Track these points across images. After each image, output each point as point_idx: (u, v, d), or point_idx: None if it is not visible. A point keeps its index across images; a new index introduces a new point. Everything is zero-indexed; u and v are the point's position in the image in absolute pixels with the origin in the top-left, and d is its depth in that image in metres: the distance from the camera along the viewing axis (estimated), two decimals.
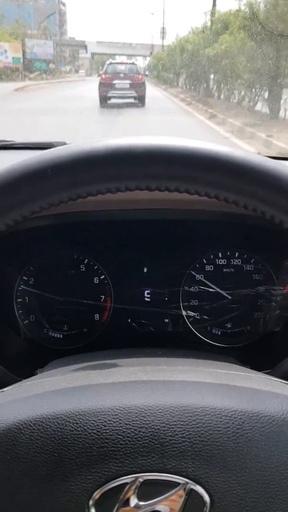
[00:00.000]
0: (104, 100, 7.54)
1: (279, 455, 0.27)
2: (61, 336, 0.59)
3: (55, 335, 0.59)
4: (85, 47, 33.62)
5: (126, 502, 0.26)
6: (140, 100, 7.62)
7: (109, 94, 7.66)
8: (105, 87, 7.57)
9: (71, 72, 31.40)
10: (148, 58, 29.17)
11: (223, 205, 0.32)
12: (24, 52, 17.25)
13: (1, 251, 0.53)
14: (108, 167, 0.29)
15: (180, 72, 11.83)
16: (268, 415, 0.28)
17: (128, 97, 7.71)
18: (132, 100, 7.66)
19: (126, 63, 8.52)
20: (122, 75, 7.96)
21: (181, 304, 0.59)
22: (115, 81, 7.76)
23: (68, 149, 0.30)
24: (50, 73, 19.47)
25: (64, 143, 0.78)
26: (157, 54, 17.28)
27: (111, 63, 8.41)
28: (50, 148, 0.40)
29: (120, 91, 7.66)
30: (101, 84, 7.68)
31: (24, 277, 0.58)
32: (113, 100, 7.74)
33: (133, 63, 8.53)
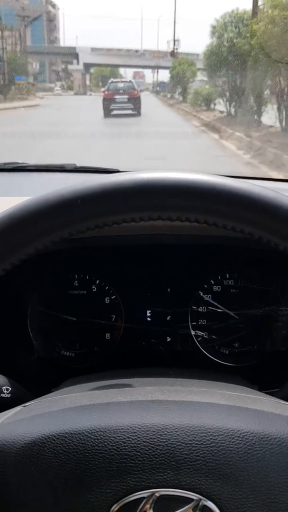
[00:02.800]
0: (107, 112, 13.30)
1: (287, 476, 0.42)
2: (73, 355, 0.91)
3: (68, 354, 0.91)
4: (75, 56, 34.59)
5: None
6: (136, 111, 13.66)
7: (111, 107, 13.55)
8: (108, 101, 13.64)
9: (50, 90, 34.15)
10: (159, 70, 32.44)
11: (231, 232, 0.51)
12: None
13: (15, 273, 0.87)
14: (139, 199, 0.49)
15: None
16: (277, 437, 0.44)
17: (127, 109, 13.73)
18: (130, 111, 13.63)
19: (125, 81, 15.57)
20: (121, 91, 14.14)
21: (189, 323, 0.91)
22: (116, 96, 13.96)
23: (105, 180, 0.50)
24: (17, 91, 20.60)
25: (74, 165, 1.24)
26: (182, 60, 18.75)
27: (112, 82, 15.13)
28: (61, 170, 0.89)
29: (119, 104, 13.83)
30: (105, 99, 13.69)
31: (37, 298, 0.92)
32: (114, 112, 13.60)
33: (130, 81, 15.61)
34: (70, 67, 39.30)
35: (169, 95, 25.84)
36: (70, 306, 0.91)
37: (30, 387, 0.66)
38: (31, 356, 0.91)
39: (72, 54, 35.24)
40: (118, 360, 0.91)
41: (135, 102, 13.92)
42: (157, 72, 34.39)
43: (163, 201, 0.49)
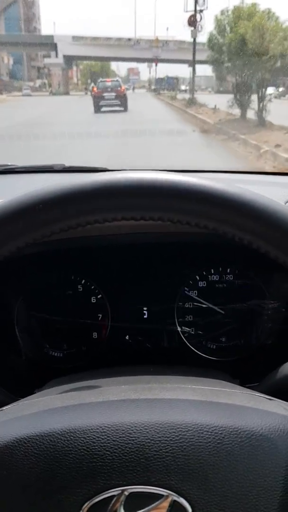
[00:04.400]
0: (97, 108, 18.83)
1: (257, 468, 0.53)
2: (61, 355, 1.17)
3: (55, 354, 1.17)
4: (53, 46, 34.22)
5: None
6: (123, 106, 19.21)
7: (101, 103, 19.15)
8: (98, 98, 19.36)
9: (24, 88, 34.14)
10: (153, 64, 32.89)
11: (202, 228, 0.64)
12: None
13: (0, 274, 1.11)
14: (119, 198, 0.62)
15: None
16: (247, 430, 0.54)
17: (114, 105, 19.25)
18: (117, 108, 19.09)
19: (112, 80, 21.26)
20: (109, 89, 19.82)
21: (176, 320, 1.16)
22: (104, 94, 19.62)
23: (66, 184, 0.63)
24: None
25: (63, 165, 1.55)
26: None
27: (101, 81, 21.25)
28: (50, 170, 1.24)
29: (108, 100, 19.46)
30: (95, 97, 19.66)
31: (23, 299, 1.17)
32: (103, 108, 19.04)
33: (117, 80, 21.25)
34: (47, 60, 39.32)
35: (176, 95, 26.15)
36: (56, 307, 1.17)
37: (16, 388, 0.89)
38: (18, 358, 1.16)
39: (48, 44, 35.10)
40: (106, 359, 1.16)
41: (121, 98, 19.76)
42: (156, 65, 34.80)
43: (121, 201, 0.63)
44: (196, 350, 1.17)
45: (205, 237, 1.06)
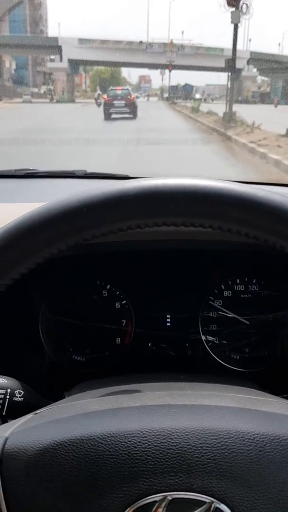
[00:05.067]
0: (107, 116, 21.02)
1: None
2: (84, 360, 1.29)
3: (78, 358, 1.29)
4: (57, 49, 34.04)
5: None
6: (133, 114, 21.53)
7: (111, 111, 21.41)
8: (108, 106, 21.64)
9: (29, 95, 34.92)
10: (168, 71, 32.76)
11: (240, 237, 0.70)
12: None
13: (26, 278, 1.24)
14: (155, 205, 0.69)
15: None
16: None
17: (124, 113, 21.58)
18: (127, 115, 21.38)
19: (122, 89, 23.88)
20: (119, 97, 22.30)
21: (200, 329, 1.29)
22: (114, 102, 22.03)
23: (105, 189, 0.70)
24: None
25: (84, 171, 1.73)
26: None
27: (111, 89, 23.66)
28: (72, 176, 1.55)
29: (118, 108, 21.81)
30: (105, 104, 21.96)
31: (48, 303, 1.30)
32: (113, 115, 21.28)
33: (127, 89, 23.89)
34: (50, 65, 39.17)
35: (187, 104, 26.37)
36: (80, 311, 1.30)
37: (42, 391, 0.99)
38: (42, 361, 1.29)
39: (52, 47, 34.52)
40: (128, 365, 1.29)
41: (131, 106, 22.29)
42: (170, 72, 33.90)
43: (164, 208, 0.70)
44: (219, 360, 1.29)
45: (232, 247, 1.18)
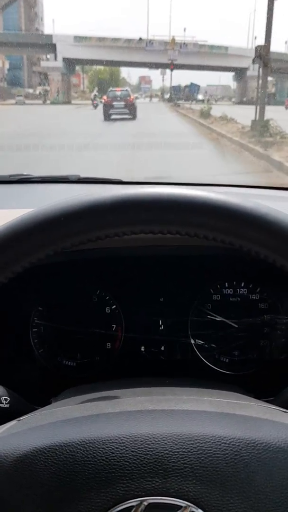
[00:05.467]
0: (107, 116, 22.34)
1: (274, 480, 0.63)
2: (75, 365, 1.38)
3: (69, 364, 1.38)
4: (51, 48, 33.88)
5: None
6: (132, 115, 23.02)
7: (110, 112, 22.69)
8: (107, 107, 22.95)
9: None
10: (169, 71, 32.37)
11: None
12: None
13: (17, 284, 1.31)
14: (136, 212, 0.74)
15: None
16: (264, 442, 0.65)
17: (123, 114, 22.98)
18: (126, 116, 22.86)
19: (121, 90, 24.95)
20: (118, 98, 23.53)
21: (189, 332, 1.38)
22: (114, 103, 23.28)
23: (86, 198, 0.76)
24: None
25: (78, 176, 1.87)
26: None
27: (111, 91, 24.73)
28: (65, 181, 1.78)
29: (117, 109, 23.20)
30: (105, 105, 23.27)
31: (39, 308, 1.40)
32: (113, 116, 22.52)
33: (126, 90, 25.07)
34: (44, 64, 38.73)
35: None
36: (71, 316, 1.40)
37: (31, 397, 1.08)
38: (33, 366, 1.38)
39: (46, 45, 34.01)
40: (119, 369, 1.38)
41: (130, 107, 23.66)
42: (172, 71, 32.98)
43: (137, 216, 0.76)
44: (209, 363, 1.39)
45: (220, 251, 1.28)
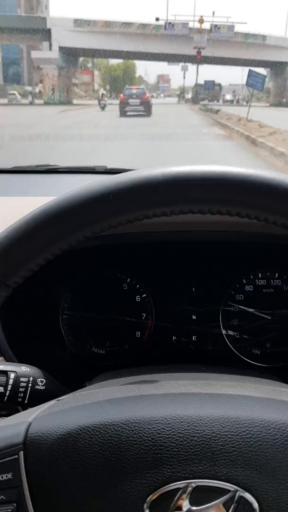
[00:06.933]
0: (123, 113, 30.72)
1: None
2: (104, 352, 1.70)
3: (98, 351, 1.71)
4: (45, 34, 33.06)
5: (179, 507, 0.74)
6: (147, 112, 31.27)
7: (126, 109, 31.43)
8: (123, 104, 32.34)
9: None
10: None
11: (263, 227, 1.03)
12: None
13: (48, 270, 1.37)
14: (168, 192, 0.94)
15: None
16: None
17: (139, 111, 31.49)
18: (142, 113, 30.96)
19: (137, 88, 34.95)
20: (134, 96, 32.84)
21: (221, 323, 1.69)
22: (130, 100, 32.67)
23: (132, 175, 0.96)
24: None
25: (104, 167, 2.35)
26: None
27: (127, 89, 34.50)
28: (92, 171, 2.34)
29: (133, 107, 32.21)
30: (121, 102, 32.90)
31: (69, 295, 1.71)
32: (128, 113, 30.73)
33: (142, 88, 35.56)
34: (35, 54, 37.80)
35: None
36: (101, 304, 1.71)
37: (63, 381, 1.18)
38: (63, 352, 1.69)
39: (38, 30, 33.08)
40: (148, 358, 1.68)
41: (145, 105, 30.61)
42: (198, 62, 32.36)
43: (191, 193, 0.93)
44: (240, 355, 1.69)
45: (253, 238, 1.57)
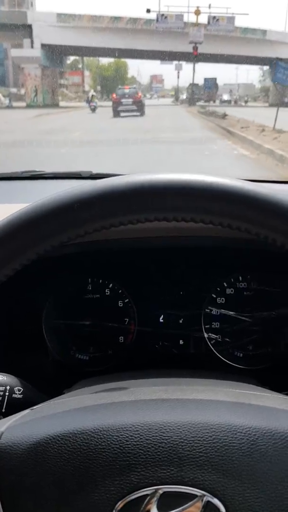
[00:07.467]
0: (116, 113, 34.14)
1: None
2: (87, 358, 1.86)
3: (82, 357, 1.86)
4: (26, 30, 32.31)
5: None
6: (140, 112, 35.13)
7: (119, 109, 34.58)
8: (116, 104, 35.35)
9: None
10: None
11: (238, 232, 1.02)
12: None
13: (30, 276, 1.41)
14: (134, 200, 0.99)
15: None
16: (281, 431, 0.87)
17: (132, 110, 34.86)
18: (135, 113, 34.44)
19: (129, 88, 38.14)
20: (127, 95, 35.55)
21: (203, 326, 1.85)
22: (122, 100, 35.40)
23: (98, 184, 1.02)
24: None
25: (90, 172, 2.61)
26: None
27: (120, 89, 37.72)
28: (78, 177, 2.58)
29: (126, 106, 35.36)
30: (114, 103, 36.16)
31: (51, 301, 1.86)
32: (122, 113, 34.07)
33: (134, 87, 39.17)
34: (15, 53, 37.70)
35: None
36: (83, 310, 1.86)
37: (44, 388, 1.31)
38: (46, 358, 1.84)
39: (18, 26, 32.36)
40: (132, 364, 1.82)
41: (138, 104, 32.90)
42: (195, 60, 31.85)
43: (154, 202, 0.98)
44: (222, 358, 1.84)
45: (233, 243, 1.71)
